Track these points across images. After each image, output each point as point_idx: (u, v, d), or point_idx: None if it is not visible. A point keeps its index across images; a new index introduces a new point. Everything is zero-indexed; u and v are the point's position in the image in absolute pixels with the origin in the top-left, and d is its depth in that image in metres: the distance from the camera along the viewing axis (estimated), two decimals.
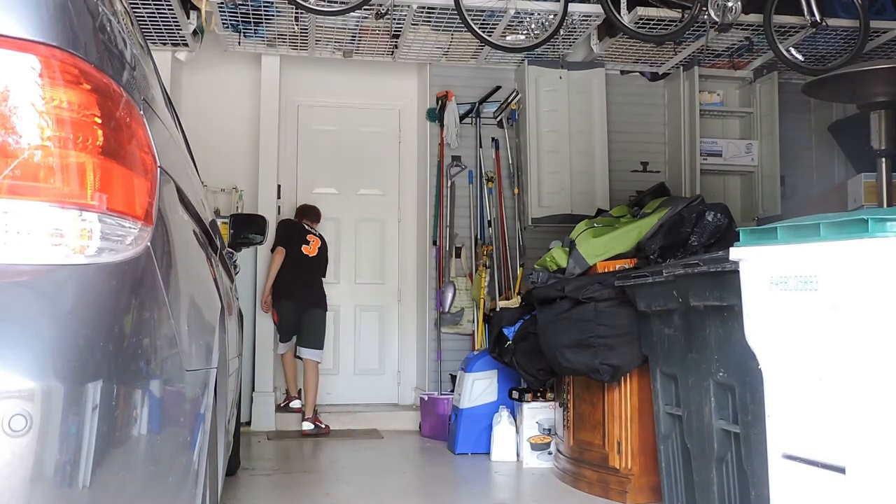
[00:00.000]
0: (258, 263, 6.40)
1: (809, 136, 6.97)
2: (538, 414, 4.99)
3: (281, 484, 4.49)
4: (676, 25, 5.39)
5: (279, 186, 6.58)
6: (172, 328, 1.23)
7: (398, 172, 7.04)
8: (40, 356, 0.96)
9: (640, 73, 6.76)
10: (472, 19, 5.28)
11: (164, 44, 5.85)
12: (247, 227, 4.03)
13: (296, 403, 6.28)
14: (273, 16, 5.65)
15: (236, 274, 4.09)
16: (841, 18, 5.56)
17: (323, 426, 6.06)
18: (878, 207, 4.85)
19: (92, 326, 1.01)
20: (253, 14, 5.54)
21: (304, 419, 6.07)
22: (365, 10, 5.26)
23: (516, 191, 6.45)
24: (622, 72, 6.69)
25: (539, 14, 5.43)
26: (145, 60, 1.50)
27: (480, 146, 6.50)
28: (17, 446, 0.91)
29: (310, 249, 6.22)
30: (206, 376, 1.49)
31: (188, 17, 5.55)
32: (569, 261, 4.62)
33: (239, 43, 6.06)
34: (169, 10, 5.29)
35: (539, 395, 5.04)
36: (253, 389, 6.29)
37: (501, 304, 5.93)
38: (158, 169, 1.23)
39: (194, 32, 5.71)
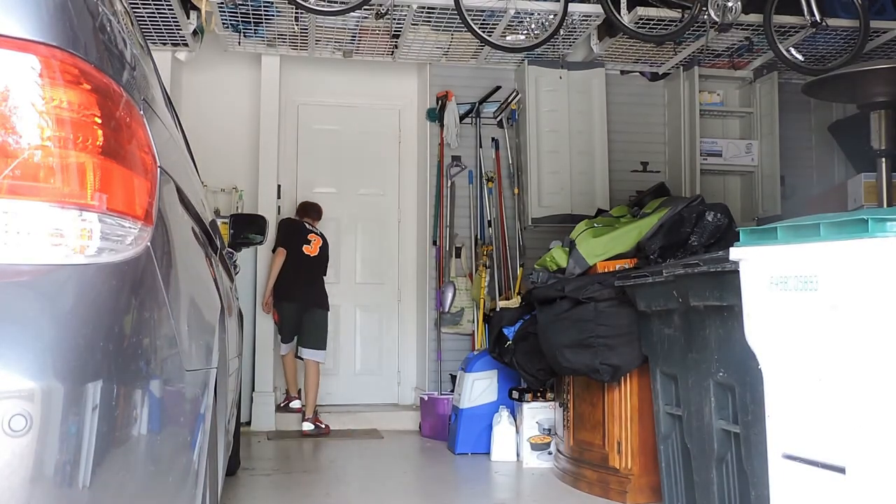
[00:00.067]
0: (258, 263, 6.40)
1: (809, 136, 6.97)
2: (538, 414, 4.99)
3: (281, 484, 4.49)
4: (676, 25, 5.39)
5: (279, 186, 6.58)
6: (172, 328, 1.23)
7: (398, 172, 7.04)
8: (40, 356, 0.96)
9: (640, 73, 6.76)
10: (472, 19, 5.28)
11: (164, 44, 5.85)
12: (247, 227, 4.03)
13: (296, 403, 6.28)
14: (273, 16, 5.65)
15: (236, 274, 4.09)
16: (841, 18, 5.56)
17: (323, 426, 6.06)
18: (878, 207, 4.85)
19: (92, 326, 1.01)
20: (253, 14, 5.54)
21: (304, 419, 6.07)
22: (365, 10, 5.26)
23: (516, 191, 6.45)
24: (622, 72, 6.69)
25: (539, 14, 5.43)
26: (145, 60, 1.50)
27: (480, 146, 6.50)
28: (17, 446, 0.91)
29: (311, 249, 6.21)
30: (206, 376, 1.49)
31: (188, 17, 5.54)
32: (569, 261, 4.62)
33: (239, 43, 6.06)
34: (169, 10, 5.29)
35: (539, 395, 5.04)
36: (253, 389, 6.29)
37: (501, 304, 5.93)
38: (158, 169, 1.23)
39: (194, 32, 5.71)
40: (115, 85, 1.12)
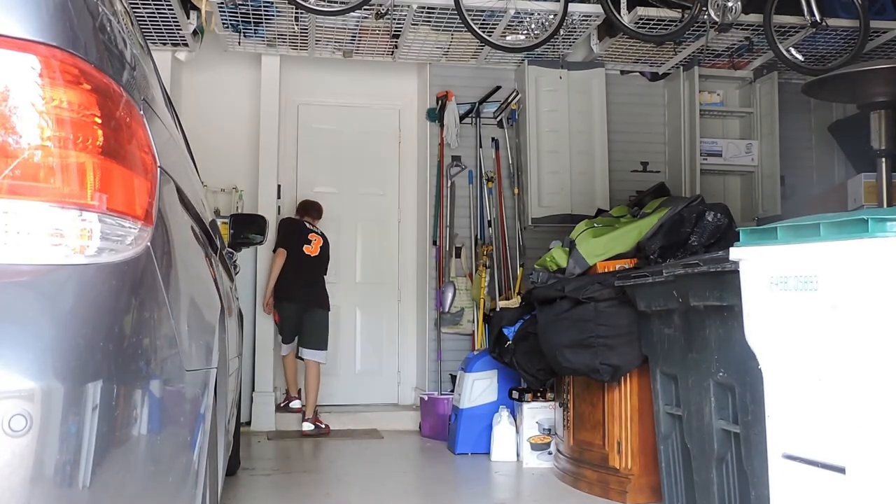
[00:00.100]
0: (258, 263, 6.40)
1: (809, 136, 6.97)
2: (538, 414, 4.99)
3: (281, 484, 4.49)
4: (676, 25, 5.39)
5: (279, 186, 6.58)
6: (172, 328, 1.23)
7: (398, 172, 7.04)
8: (40, 356, 0.96)
9: (640, 73, 6.76)
10: (472, 19, 5.28)
11: (164, 44, 5.85)
12: (247, 227, 4.03)
13: (296, 403, 6.27)
14: (273, 16, 5.65)
15: (236, 274, 4.09)
16: (841, 18, 5.56)
17: (323, 426, 6.06)
18: (878, 207, 4.85)
19: (92, 326, 1.01)
20: (253, 14, 5.54)
21: (304, 419, 6.07)
22: (365, 10, 5.26)
23: (516, 191, 6.45)
24: (622, 72, 6.69)
25: (539, 14, 5.43)
26: (145, 60, 1.50)
27: (480, 146, 6.50)
28: (17, 446, 0.91)
29: (311, 249, 6.21)
30: (206, 376, 1.49)
31: (188, 17, 5.54)
32: (569, 261, 4.62)
33: (239, 43, 6.06)
34: (169, 10, 5.29)
35: (539, 395, 5.04)
36: (253, 389, 6.29)
37: (501, 304, 5.93)
38: (158, 169, 1.23)
39: (194, 32, 5.70)
40: (115, 85, 1.12)
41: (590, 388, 4.25)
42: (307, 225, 6.31)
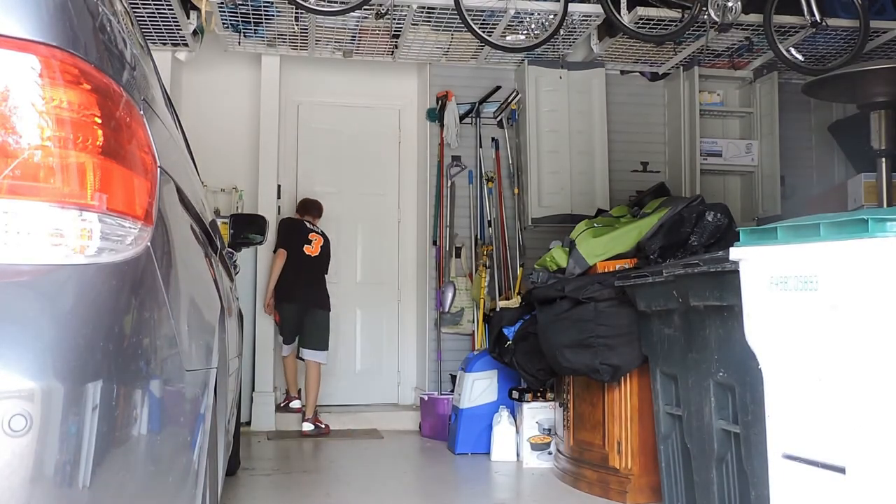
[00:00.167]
0: (258, 263, 6.40)
1: (809, 136, 6.97)
2: (538, 414, 4.99)
3: (281, 484, 4.49)
4: (676, 25, 5.39)
5: (279, 186, 6.58)
6: (172, 328, 1.23)
7: (398, 172, 7.04)
8: (40, 356, 0.96)
9: (640, 73, 6.76)
10: (472, 19, 5.28)
11: (164, 44, 5.85)
12: (247, 227, 4.03)
13: (296, 403, 6.27)
14: (273, 16, 5.65)
15: (236, 274, 4.09)
16: (841, 18, 5.56)
17: (323, 426, 6.06)
18: (878, 207, 4.85)
19: (92, 326, 1.01)
20: (253, 14, 5.54)
21: (304, 419, 6.07)
22: (365, 10, 5.26)
23: (516, 191, 6.45)
24: (622, 72, 6.69)
25: (539, 14, 5.43)
26: (145, 60, 1.50)
27: (480, 146, 6.50)
28: (17, 446, 0.91)
29: (312, 249, 6.20)
30: (206, 376, 1.49)
31: (188, 17, 5.54)
32: (569, 261, 4.62)
33: (239, 43, 6.06)
34: (169, 10, 5.29)
35: (539, 395, 5.04)
36: (253, 389, 6.29)
37: (501, 304, 5.93)
38: (158, 169, 1.23)
39: (194, 32, 5.70)
40: (115, 85, 1.12)
41: (590, 388, 4.25)
42: (308, 224, 6.31)
